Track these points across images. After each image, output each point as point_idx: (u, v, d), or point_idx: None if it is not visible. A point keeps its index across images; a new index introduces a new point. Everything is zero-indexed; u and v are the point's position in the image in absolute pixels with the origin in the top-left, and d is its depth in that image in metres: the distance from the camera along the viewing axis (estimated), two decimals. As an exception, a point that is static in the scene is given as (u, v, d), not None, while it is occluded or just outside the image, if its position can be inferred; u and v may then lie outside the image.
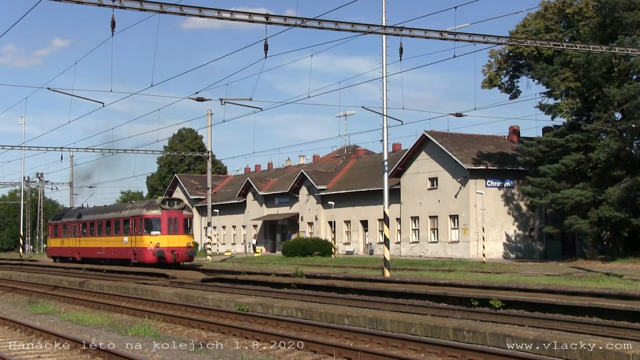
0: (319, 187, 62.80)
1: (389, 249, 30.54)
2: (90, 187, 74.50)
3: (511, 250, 50.27)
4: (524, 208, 50.53)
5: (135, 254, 38.89)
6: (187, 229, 39.61)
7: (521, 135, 53.18)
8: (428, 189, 52.44)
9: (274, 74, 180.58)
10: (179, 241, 38.57)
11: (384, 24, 26.69)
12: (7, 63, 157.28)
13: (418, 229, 53.64)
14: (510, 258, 49.23)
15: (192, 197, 79.84)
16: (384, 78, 30.14)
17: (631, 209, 41.47)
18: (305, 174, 64.90)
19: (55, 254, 52.37)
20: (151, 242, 38.01)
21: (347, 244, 61.11)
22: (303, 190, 65.65)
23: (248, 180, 73.31)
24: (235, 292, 25.36)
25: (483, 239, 45.53)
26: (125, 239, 40.18)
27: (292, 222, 67.88)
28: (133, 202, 46.99)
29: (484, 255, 43.54)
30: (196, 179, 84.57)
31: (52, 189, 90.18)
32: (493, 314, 17.68)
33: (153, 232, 38.40)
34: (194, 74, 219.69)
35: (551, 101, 45.98)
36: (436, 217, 51.89)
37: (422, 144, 52.84)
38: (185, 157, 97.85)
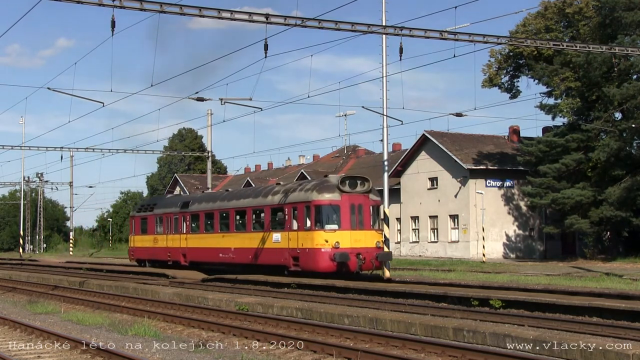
0: (319, 187, 62.59)
1: (389, 248, 30.53)
2: (90, 187, 74.30)
3: (511, 250, 50.27)
4: (524, 208, 50.54)
5: (297, 258, 27.24)
6: (376, 221, 27.69)
7: (521, 135, 53.21)
8: (428, 189, 52.45)
9: (275, 74, 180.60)
10: (366, 239, 26.85)
11: (384, 24, 26.66)
12: (11, 63, 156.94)
13: (418, 229, 53.66)
14: (510, 258, 49.23)
15: (192, 197, 79.70)
16: (384, 78, 30.10)
17: (631, 209, 41.52)
18: (305, 174, 64.84)
19: (143, 257, 39.46)
20: (327, 241, 26.11)
21: (347, 243, 60.96)
22: (303, 190, 65.50)
23: (248, 180, 73.30)
24: (235, 292, 25.36)
25: (483, 238, 45.54)
26: (277, 236, 28.25)
27: (292, 222, 67.68)
28: (281, 183, 31.85)
29: (484, 255, 43.56)
30: (196, 179, 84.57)
31: (52, 189, 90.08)
32: (493, 313, 17.66)
33: (328, 227, 26.39)
34: (194, 74, 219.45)
35: (551, 101, 46.09)
36: (436, 217, 51.90)
37: (422, 143, 52.86)
38: (185, 157, 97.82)
